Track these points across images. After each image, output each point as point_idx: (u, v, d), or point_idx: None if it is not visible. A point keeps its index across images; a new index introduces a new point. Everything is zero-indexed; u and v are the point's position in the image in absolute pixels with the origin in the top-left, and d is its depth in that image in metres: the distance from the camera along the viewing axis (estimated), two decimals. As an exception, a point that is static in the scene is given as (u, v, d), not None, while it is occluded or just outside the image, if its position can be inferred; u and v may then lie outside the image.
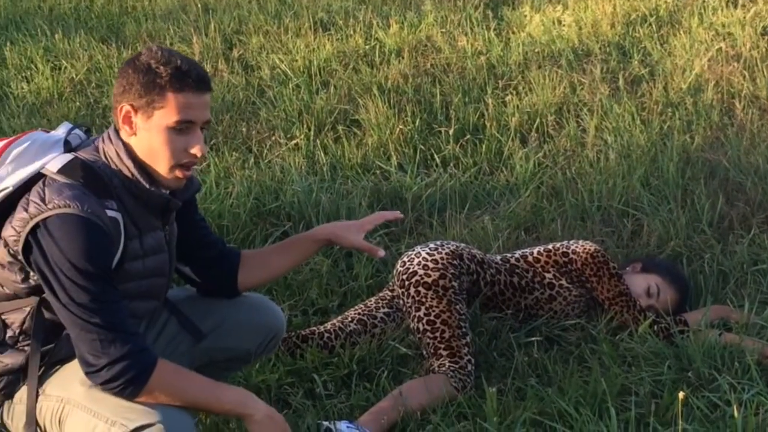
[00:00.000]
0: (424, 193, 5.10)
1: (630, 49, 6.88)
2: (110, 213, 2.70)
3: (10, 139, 2.84)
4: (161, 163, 2.76)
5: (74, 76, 6.97)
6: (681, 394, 2.95)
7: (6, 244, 2.72)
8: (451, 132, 5.72)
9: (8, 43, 7.61)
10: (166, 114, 2.70)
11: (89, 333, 2.64)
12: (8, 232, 2.71)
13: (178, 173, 2.78)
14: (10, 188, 2.74)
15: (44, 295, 2.72)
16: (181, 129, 2.72)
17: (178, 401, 2.72)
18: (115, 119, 2.79)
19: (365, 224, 3.27)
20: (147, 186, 2.77)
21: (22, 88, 6.86)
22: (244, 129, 6.06)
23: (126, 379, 2.65)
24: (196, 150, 2.75)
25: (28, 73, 7.12)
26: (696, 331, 3.85)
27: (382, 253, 3.20)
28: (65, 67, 7.12)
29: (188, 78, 2.70)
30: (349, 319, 3.99)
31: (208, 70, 6.80)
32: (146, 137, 2.74)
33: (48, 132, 2.91)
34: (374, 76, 6.59)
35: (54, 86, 6.82)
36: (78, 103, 6.54)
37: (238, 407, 2.80)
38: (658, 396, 3.52)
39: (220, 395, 2.80)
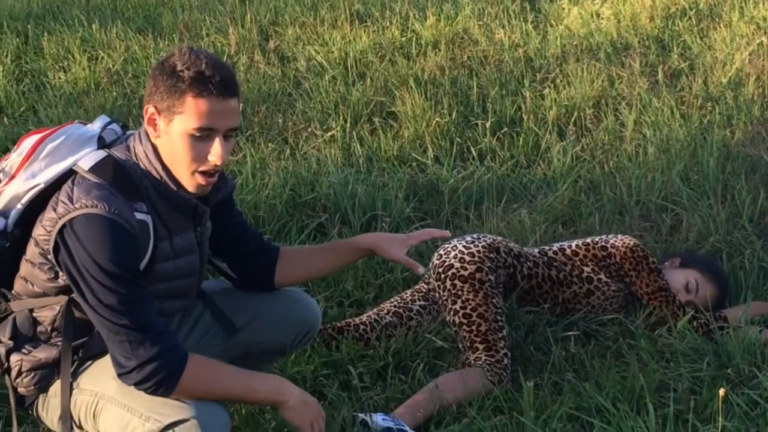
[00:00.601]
0: (460, 185, 5.07)
1: (669, 42, 6.83)
2: (139, 216, 2.68)
3: (47, 132, 2.82)
4: (182, 169, 2.72)
5: (111, 67, 7.00)
6: (721, 391, 2.92)
7: (37, 243, 2.72)
8: (488, 125, 5.68)
9: (46, 33, 7.64)
10: (186, 120, 2.65)
11: (118, 335, 2.64)
12: (39, 231, 2.71)
13: (200, 180, 2.73)
14: (42, 185, 2.73)
15: (73, 296, 2.71)
16: (201, 136, 2.66)
17: (212, 395, 2.72)
18: (143, 120, 2.76)
19: (411, 239, 3.22)
20: (175, 189, 2.75)
21: (60, 77, 6.89)
22: (280, 120, 6.05)
23: (157, 380, 2.65)
24: (214, 158, 2.68)
25: (66, 63, 7.16)
26: (736, 327, 3.81)
27: (422, 270, 3.16)
28: (102, 58, 7.15)
29: (209, 83, 2.62)
30: (385, 311, 3.97)
31: (244, 62, 6.83)
32: (168, 141, 2.70)
33: (85, 124, 2.89)
34: (411, 68, 6.57)
35: (91, 76, 6.85)
36: (115, 94, 6.56)
37: (272, 395, 2.80)
38: (697, 392, 3.49)
39: (254, 385, 2.79)
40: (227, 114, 2.68)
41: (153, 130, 2.72)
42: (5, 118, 6.30)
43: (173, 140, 2.68)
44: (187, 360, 2.68)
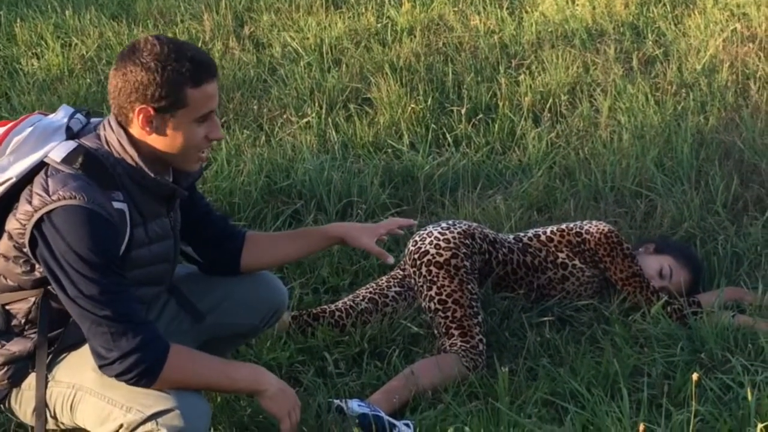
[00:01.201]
0: (436, 172, 5.07)
1: (644, 29, 6.83)
2: (116, 204, 2.67)
3: (10, 125, 2.78)
4: (186, 156, 2.75)
5: (85, 53, 6.94)
6: (694, 376, 2.94)
7: (10, 237, 2.69)
8: (463, 111, 5.68)
9: (18, 20, 7.57)
10: (191, 111, 2.67)
11: (100, 326, 2.62)
12: (12, 225, 2.67)
13: (202, 156, 2.79)
14: (14, 179, 2.69)
15: (50, 287, 2.70)
16: (204, 120, 2.71)
17: (193, 385, 2.72)
18: (122, 117, 2.71)
19: (379, 229, 3.26)
20: (152, 175, 2.74)
21: (33, 64, 6.83)
22: (255, 107, 6.03)
23: (139, 371, 2.64)
24: (216, 135, 2.75)
25: (39, 49, 7.09)
26: (709, 312, 3.83)
27: (391, 259, 3.21)
28: (76, 44, 7.09)
29: (202, 70, 2.66)
30: (361, 297, 3.97)
31: (219, 48, 6.82)
32: (170, 135, 2.70)
33: (47, 115, 2.85)
34: (386, 54, 6.55)
35: (64, 63, 6.79)
36: (88, 80, 6.51)
37: (251, 385, 2.81)
38: (671, 377, 3.52)
39: (233, 375, 2.80)
40: (217, 91, 2.74)
41: (148, 128, 2.69)
42: (-22, 106, 6.25)
43: (176, 133, 2.70)
44: (168, 351, 2.67)
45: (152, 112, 2.66)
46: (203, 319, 3.12)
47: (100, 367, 2.66)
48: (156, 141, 2.71)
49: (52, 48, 6.98)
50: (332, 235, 3.23)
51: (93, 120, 2.86)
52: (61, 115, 2.83)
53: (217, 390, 3.01)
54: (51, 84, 6.54)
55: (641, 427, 2.82)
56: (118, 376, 2.65)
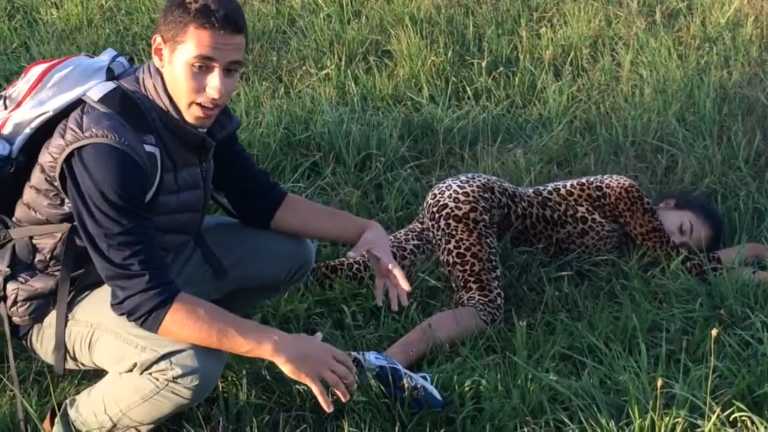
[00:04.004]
0: (455, 125, 5.05)
1: (668, -19, 6.76)
2: (148, 148, 2.68)
3: (53, 62, 2.83)
4: (181, 99, 2.72)
5: (104, 3, 6.90)
6: (713, 332, 2.93)
7: (43, 170, 2.72)
8: (483, 64, 5.64)
9: (38, -31, 7.54)
10: (187, 49, 2.65)
11: (117, 267, 2.64)
12: (45, 157, 2.71)
13: (198, 112, 2.73)
14: (50, 113, 2.73)
15: (76, 223, 2.71)
16: (201, 66, 2.66)
17: (202, 340, 2.67)
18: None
19: (396, 269, 3.04)
20: (183, 123, 2.75)
21: (52, 14, 6.81)
22: (274, 58, 6.00)
23: (146, 311, 2.65)
24: (212, 90, 2.68)
25: (58, -1, 7.07)
26: (729, 268, 3.81)
27: (379, 302, 3.09)
28: (95, -6, 7.06)
29: (212, 16, 2.63)
30: (379, 250, 3.96)
31: (238, -2, 6.73)
32: (170, 71, 2.71)
33: (92, 57, 2.89)
34: (406, 6, 6.50)
35: (83, 13, 6.76)
36: (107, 30, 6.48)
37: (263, 353, 2.71)
38: (690, 333, 3.51)
39: (245, 334, 2.69)
40: (228, 48, 2.67)
41: (159, 59, 2.73)
42: (-3, 55, 6.24)
43: (175, 70, 2.69)
44: (176, 296, 2.66)
45: (161, 42, 2.70)
46: (225, 275, 3.11)
47: (112, 305, 2.68)
48: (166, 75, 2.73)
49: (71, -3, 6.95)
50: (365, 237, 3.10)
51: (135, 66, 2.89)
52: (105, 57, 2.88)
53: (227, 349, 2.89)
54: (70, 34, 6.51)
55: (659, 382, 2.82)
56: (127, 314, 2.67)
